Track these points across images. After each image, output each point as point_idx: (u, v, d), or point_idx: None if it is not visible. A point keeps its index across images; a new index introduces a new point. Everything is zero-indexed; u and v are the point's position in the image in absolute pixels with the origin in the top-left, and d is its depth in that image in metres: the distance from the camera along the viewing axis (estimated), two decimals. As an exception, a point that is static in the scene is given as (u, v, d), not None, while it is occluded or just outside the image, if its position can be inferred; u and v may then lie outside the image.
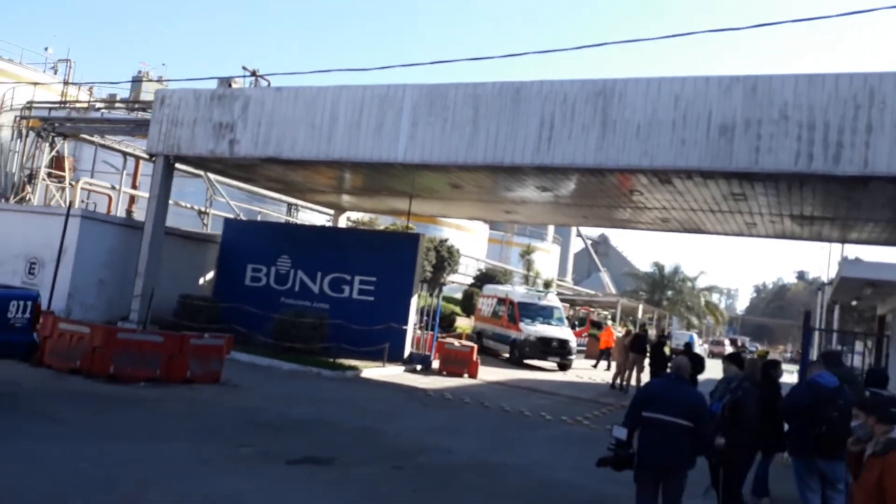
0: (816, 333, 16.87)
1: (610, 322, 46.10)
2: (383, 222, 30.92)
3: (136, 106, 21.37)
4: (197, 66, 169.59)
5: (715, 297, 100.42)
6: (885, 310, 17.14)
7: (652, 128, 12.29)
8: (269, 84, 17.38)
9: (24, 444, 6.89)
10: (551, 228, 62.92)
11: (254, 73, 17.18)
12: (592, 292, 55.29)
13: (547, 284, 46.68)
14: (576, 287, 63.96)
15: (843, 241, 19.05)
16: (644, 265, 56.65)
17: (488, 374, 18.99)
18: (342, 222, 24.41)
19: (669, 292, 52.16)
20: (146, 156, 19.82)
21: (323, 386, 13.71)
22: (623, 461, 5.90)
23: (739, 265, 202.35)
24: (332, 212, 24.71)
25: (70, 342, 11.42)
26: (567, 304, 38.34)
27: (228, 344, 12.75)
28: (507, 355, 23.78)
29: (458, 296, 36.13)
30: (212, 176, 23.69)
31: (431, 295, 19.33)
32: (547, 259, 58.25)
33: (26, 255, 17.00)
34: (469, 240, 46.11)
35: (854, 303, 16.84)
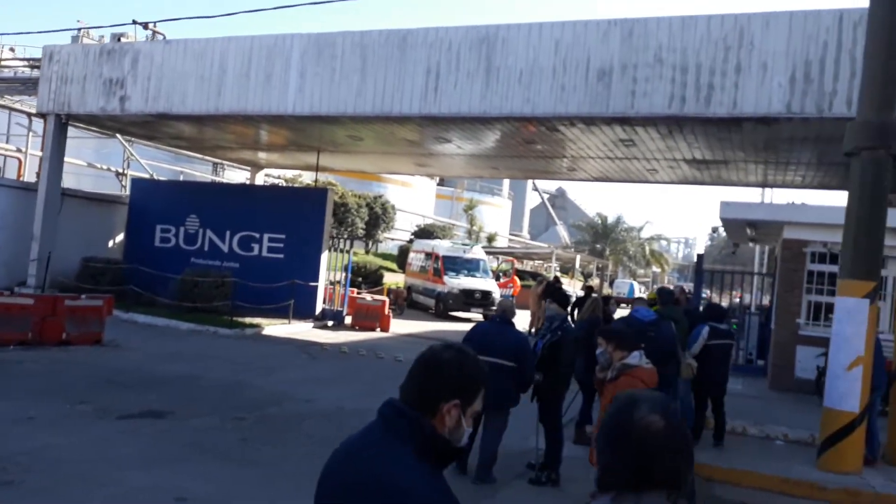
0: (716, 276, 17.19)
1: (558, 274, 46.83)
2: (308, 180, 30.54)
3: (28, 63, 20.49)
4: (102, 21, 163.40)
5: (674, 247, 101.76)
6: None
7: (534, 74, 12.21)
8: (164, 37, 16.83)
9: None
10: (506, 183, 63.06)
11: (145, 26, 16.57)
12: (545, 245, 55.72)
13: (490, 239, 46.95)
14: (531, 241, 64.39)
15: (764, 185, 19.39)
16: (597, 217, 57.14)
17: (406, 327, 19.09)
18: (260, 179, 24.00)
19: (611, 242, 52.77)
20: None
21: (216, 344, 13.61)
22: None
23: (697, 214, 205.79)
24: (249, 169, 24.25)
25: (-65, 307, 11.09)
26: (510, 258, 38.62)
27: (109, 304, 12.54)
28: (434, 309, 23.95)
29: (396, 252, 36.11)
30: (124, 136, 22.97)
31: (345, 251, 19.19)
32: (498, 214, 58.48)
33: None
34: (414, 196, 45.97)
35: (750, 244, 17.22)
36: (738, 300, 22.41)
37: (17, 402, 7.67)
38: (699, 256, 14.85)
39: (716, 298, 25.39)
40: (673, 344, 7.27)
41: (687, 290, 16.44)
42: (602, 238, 52.54)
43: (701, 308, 11.41)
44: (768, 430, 9.29)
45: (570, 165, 17.48)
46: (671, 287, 13.14)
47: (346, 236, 21.53)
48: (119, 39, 15.94)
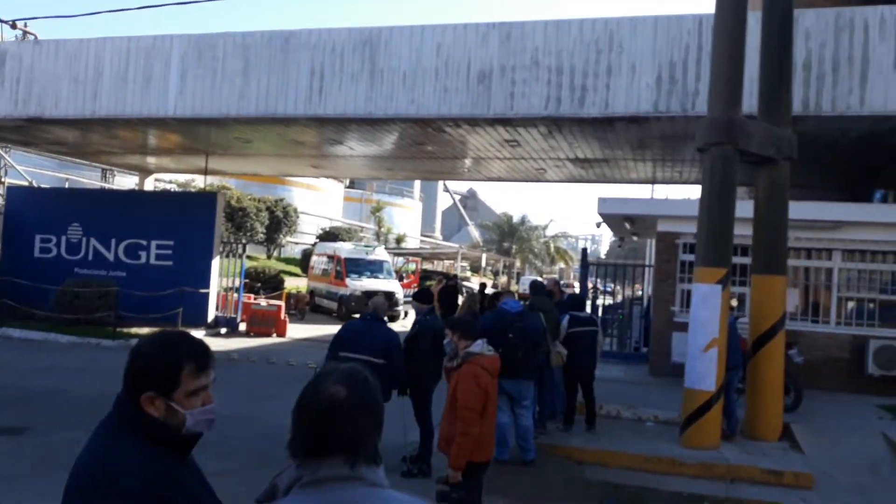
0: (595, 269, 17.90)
1: (468, 273, 47.50)
2: (202, 184, 29.73)
3: None
4: None
5: (581, 243, 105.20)
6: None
7: (417, 76, 12.38)
8: (35, 38, 16.00)
9: None
10: (417, 185, 63.28)
11: (13, 25, 15.70)
12: (455, 246, 56.34)
13: (399, 240, 47.07)
14: (442, 242, 64.89)
15: (653, 181, 20.32)
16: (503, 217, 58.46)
17: (305, 331, 18.89)
18: (150, 185, 23.15)
19: (518, 241, 54.03)
20: None
21: (97, 356, 13.06)
22: None
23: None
24: (138, 174, 23.35)
25: None
26: (415, 258, 38.82)
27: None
28: (337, 312, 23.79)
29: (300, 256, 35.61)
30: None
31: (240, 256, 18.80)
32: (409, 215, 58.64)
33: None
34: (321, 199, 45.46)
35: (634, 237, 18.07)
36: (633, 292, 23.44)
37: None
38: (583, 251, 15.50)
39: (619, 291, 26.46)
40: (539, 333, 7.55)
41: (591, 286, 17.14)
42: (508, 237, 53.68)
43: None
44: (640, 412, 9.77)
45: (469, 166, 17.80)
46: (544, 280, 13.62)
47: (243, 241, 21.10)
48: (-16, 39, 15.02)
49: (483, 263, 42.68)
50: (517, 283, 48.80)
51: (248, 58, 13.23)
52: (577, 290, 14.34)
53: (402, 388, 6.84)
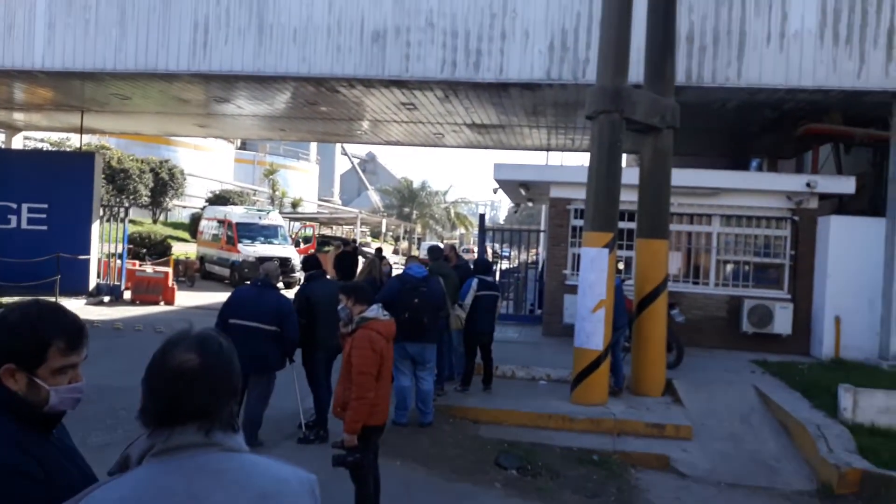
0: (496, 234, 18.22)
1: (368, 239, 47.06)
2: (78, 143, 27.78)
3: None
4: None
5: (482, 209, 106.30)
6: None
7: (308, 33, 11.99)
8: None
9: None
10: (313, 147, 61.66)
11: None
12: (355, 211, 55.63)
13: (294, 204, 45.95)
14: (342, 206, 63.89)
15: (548, 148, 20.69)
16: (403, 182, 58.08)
17: (195, 299, 18.21)
18: (18, 143, 21.36)
19: (417, 206, 54.13)
20: None
21: (-38, 328, 12.03)
22: None
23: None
24: (3, 132, 21.50)
25: None
26: (312, 223, 38.08)
27: None
28: (229, 279, 23.05)
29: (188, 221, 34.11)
30: None
31: (118, 220, 17.76)
32: (305, 179, 57.21)
33: None
34: (210, 161, 43.50)
35: (529, 203, 18.48)
36: (528, 257, 24.04)
37: None
38: (481, 217, 15.69)
39: (515, 256, 27.00)
40: (441, 298, 7.62)
41: (492, 250, 17.35)
42: (409, 202, 53.61)
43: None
44: (534, 372, 10.11)
45: (366, 129, 17.50)
46: (441, 245, 13.76)
47: (125, 205, 19.93)
48: None
49: (384, 229, 42.48)
50: (418, 248, 49.05)
51: (124, 8, 12.37)
52: (476, 256, 14.52)
53: (291, 354, 6.73)
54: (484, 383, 8.85)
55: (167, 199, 30.93)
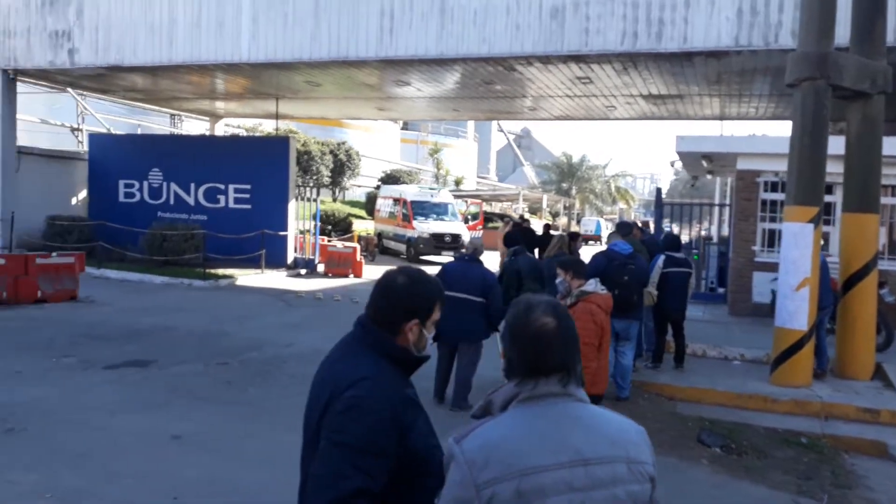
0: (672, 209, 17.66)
1: (525, 214, 47.15)
2: (269, 128, 30.18)
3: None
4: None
5: (640, 183, 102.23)
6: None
7: (488, 14, 12.25)
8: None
9: None
10: (471, 125, 62.73)
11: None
12: (512, 187, 55.98)
13: (457, 182, 47.03)
14: (498, 183, 64.53)
15: (721, 118, 19.76)
16: (563, 157, 57.29)
17: (378, 272, 19.12)
18: (220, 130, 23.68)
19: (578, 181, 53.25)
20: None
21: (190, 296, 13.76)
22: None
23: (660, 149, 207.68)
24: (208, 119, 23.89)
25: None
26: (476, 200, 38.86)
27: (81, 260, 12.58)
28: (405, 254, 24.27)
29: (364, 199, 36.04)
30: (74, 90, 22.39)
31: (312, 200, 19.26)
32: (464, 156, 58.37)
33: None
34: (378, 141, 45.61)
35: (708, 176, 17.71)
36: (700, 232, 23.07)
37: (3, 359, 7.82)
38: (658, 190, 15.30)
39: (677, 230, 26.02)
40: (647, 275, 7.68)
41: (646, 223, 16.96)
42: (568, 177, 52.92)
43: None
44: (726, 351, 9.84)
45: (531, 105, 17.64)
46: (630, 221, 13.57)
47: (310, 185, 21.51)
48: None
49: (544, 205, 42.39)
50: (578, 223, 48.48)
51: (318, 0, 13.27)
52: (653, 231, 14.19)
53: (497, 324, 7.09)
54: (676, 361, 8.78)
55: (345, 179, 32.86)
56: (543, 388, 1.68)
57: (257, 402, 6.85)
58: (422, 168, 47.22)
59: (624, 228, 8.93)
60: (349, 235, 23.66)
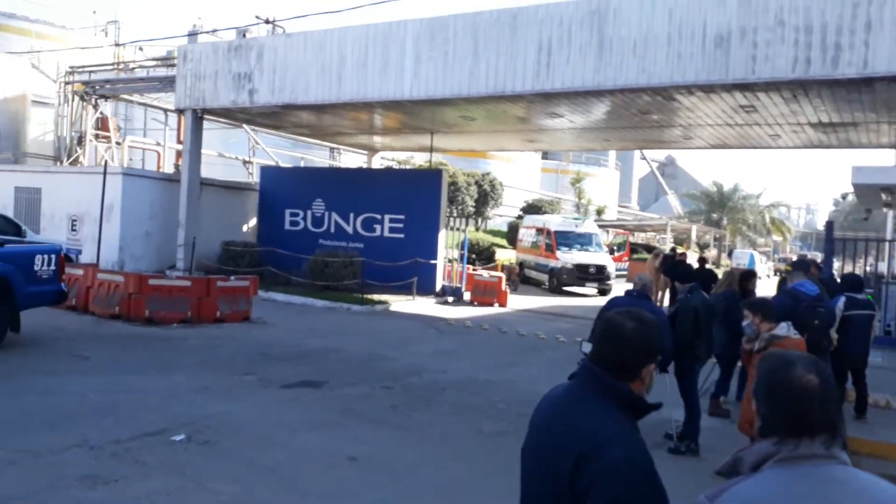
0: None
1: (675, 246, 45.36)
2: (420, 160, 31.29)
3: (165, 63, 22.11)
4: (227, 19, 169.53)
5: (794, 214, 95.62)
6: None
7: (648, 44, 12.12)
8: (283, 31, 17.78)
9: (46, 380, 7.86)
10: (612, 154, 61.82)
11: (268, 21, 17.56)
12: (655, 216, 54.24)
13: (599, 212, 46.25)
14: (640, 213, 62.85)
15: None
16: (712, 185, 54.65)
17: (522, 302, 19.44)
18: (376, 163, 24.90)
19: (729, 211, 50.59)
20: (181, 111, 20.67)
21: (350, 320, 14.50)
22: None
23: (819, 179, 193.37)
24: (366, 153, 25.22)
25: (109, 291, 12.52)
26: (621, 230, 38.08)
27: (254, 284, 13.63)
28: (547, 284, 24.19)
29: (506, 229, 36.36)
30: (249, 126, 24.47)
31: (459, 230, 19.75)
32: (606, 185, 57.48)
33: (69, 213, 18.33)
34: (519, 172, 45.96)
35: (885, 209, 16.26)
36: (871, 269, 21.19)
37: (191, 375, 8.65)
38: (829, 224, 14.27)
39: (847, 268, 24.02)
40: (834, 318, 7.23)
41: (812, 259, 15.85)
42: (718, 207, 50.45)
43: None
44: (915, 402, 8.99)
45: (685, 134, 17.14)
46: (803, 259, 12.75)
47: (455, 214, 22.06)
48: (244, 35, 16.97)
49: (693, 236, 40.69)
50: (729, 256, 46.01)
51: (477, 37, 13.72)
52: (824, 268, 13.23)
53: (666, 366, 6.90)
54: (857, 412, 8.13)
55: (488, 209, 33.35)
56: (806, 450, 1.61)
57: (423, 427, 7.10)
58: (563, 197, 46.92)
59: (803, 266, 8.44)
60: (493, 265, 23.94)
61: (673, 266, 15.47)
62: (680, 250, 21.07)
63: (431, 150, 19.97)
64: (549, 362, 11.22)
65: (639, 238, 47.15)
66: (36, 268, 9.27)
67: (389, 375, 9.28)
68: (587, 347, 6.80)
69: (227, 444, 6.16)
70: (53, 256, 9.51)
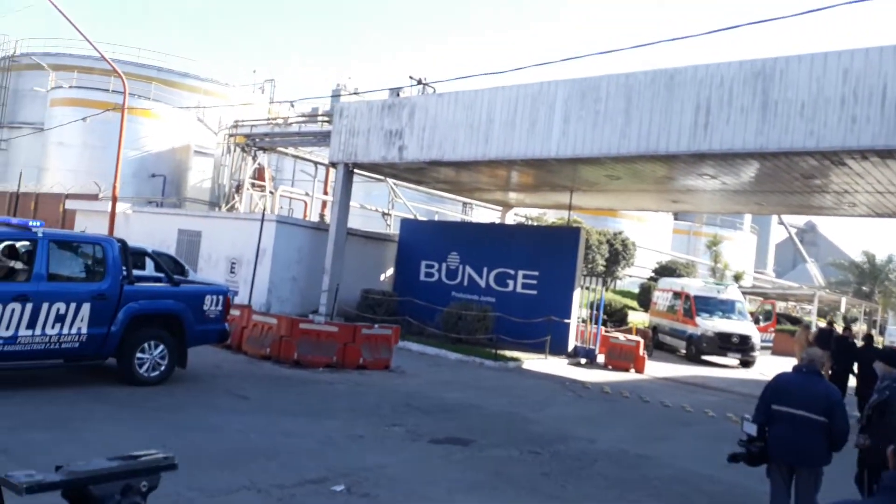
0: None
1: (813, 317, 42.31)
2: (552, 217, 31.15)
3: (320, 119, 23.52)
4: (376, 77, 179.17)
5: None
6: None
7: (818, 106, 11.51)
8: (434, 90, 18.45)
9: (210, 417, 8.24)
10: (748, 217, 59.13)
11: (420, 81, 18.29)
12: (795, 285, 50.92)
13: (737, 277, 43.89)
14: (777, 280, 59.31)
15: None
16: (858, 254, 50.69)
17: (659, 369, 18.59)
18: (510, 218, 25.01)
19: (883, 283, 46.56)
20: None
21: (483, 375, 14.38)
22: (754, 456, 5.91)
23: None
24: (500, 209, 25.42)
25: (262, 332, 13.14)
26: (761, 298, 35.94)
27: (396, 334, 13.85)
28: (684, 351, 23.06)
29: (636, 290, 35.27)
30: (393, 180, 25.42)
31: (591, 289, 19.31)
32: (741, 250, 54.84)
33: (228, 255, 19.56)
34: (650, 231, 44.80)
35: None
36: None
37: (343, 421, 8.79)
38: None
39: None
40: None
41: None
42: (869, 279, 46.61)
43: None
44: None
45: (848, 201, 15.99)
46: None
47: (585, 273, 21.61)
48: (398, 94, 17.75)
49: (842, 309, 37.69)
50: (881, 333, 42.14)
51: (630, 97, 13.57)
52: None
53: (860, 461, 6.23)
54: None
55: (619, 269, 32.55)
56: None
57: (579, 500, 6.77)
58: (696, 260, 45.10)
59: None
60: (626, 327, 23.15)
61: (841, 343, 14.25)
62: (847, 325, 19.49)
63: (570, 207, 19.83)
64: (701, 438, 10.53)
65: (778, 307, 44.20)
66: (205, 307, 9.86)
67: (535, 439, 9.01)
68: (750, 428, 6.32)
69: (386, 498, 6.13)
70: (221, 297, 10.10)
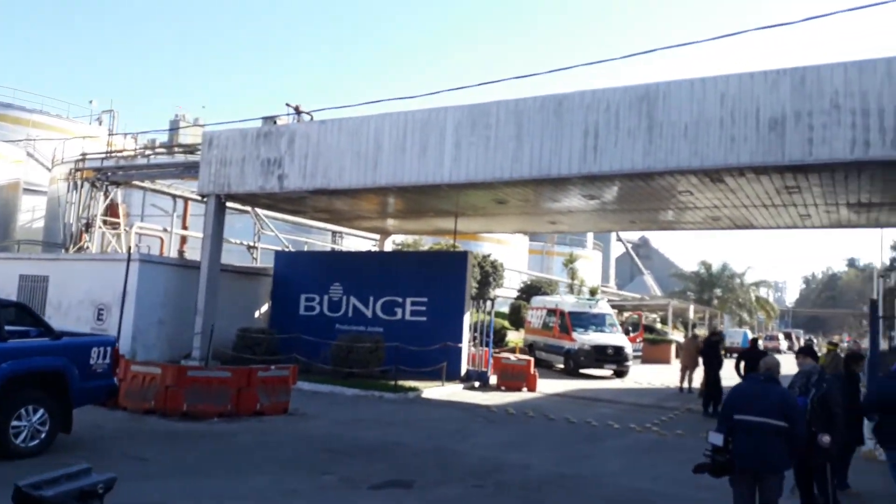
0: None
1: (658, 324, 45.54)
2: (427, 243, 31.13)
3: (177, 150, 21.96)
4: (237, 106, 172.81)
5: (763, 292, 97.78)
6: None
7: (700, 128, 12.20)
8: (311, 118, 17.73)
9: (117, 487, 7.09)
10: (590, 235, 62.69)
11: (297, 109, 17.54)
12: (637, 296, 54.49)
13: (592, 292, 46.14)
14: (620, 292, 63.23)
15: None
16: (688, 265, 55.77)
17: (546, 386, 18.87)
18: (388, 246, 24.61)
19: (719, 290, 51.11)
20: (195, 197, 20.34)
21: (386, 409, 13.79)
22: (721, 467, 5.89)
23: (786, 257, 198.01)
24: (376, 237, 24.96)
25: (143, 383, 11.74)
26: (616, 310, 37.99)
27: (294, 374, 12.95)
28: (562, 366, 23.68)
29: (505, 310, 36.00)
30: (259, 211, 24.13)
31: (478, 311, 19.34)
32: (589, 266, 57.90)
33: (92, 300, 17.56)
34: (510, 253, 46.08)
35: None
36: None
37: (268, 476, 7.93)
38: (873, 302, 14.14)
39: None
40: None
41: (794, 336, 15.58)
42: (708, 287, 50.95)
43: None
44: None
45: (713, 215, 17.17)
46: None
47: (491, 298, 21.69)
48: (274, 122, 16.87)
49: (691, 315, 40.77)
50: (721, 336, 45.97)
51: (521, 123, 13.73)
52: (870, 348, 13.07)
53: (814, 456, 6.46)
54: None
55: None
56: None
57: (547, 532, 6.48)
58: (554, 278, 47.02)
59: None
60: (509, 347, 23.43)
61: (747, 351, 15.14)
62: (719, 330, 20.81)
63: (455, 233, 19.81)
64: (623, 452, 10.67)
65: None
66: (91, 361, 8.61)
67: (472, 472, 8.64)
68: (715, 438, 6.36)
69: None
70: (109, 349, 8.88)
